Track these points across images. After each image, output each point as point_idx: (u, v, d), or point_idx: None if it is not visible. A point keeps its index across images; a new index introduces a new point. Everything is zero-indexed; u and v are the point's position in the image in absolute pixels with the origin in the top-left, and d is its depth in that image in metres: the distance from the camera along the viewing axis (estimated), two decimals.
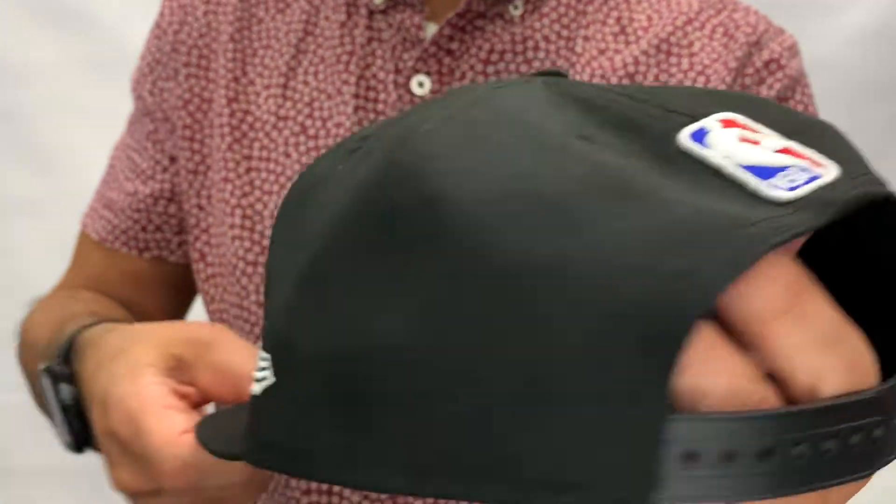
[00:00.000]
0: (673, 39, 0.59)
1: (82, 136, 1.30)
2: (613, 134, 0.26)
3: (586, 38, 0.59)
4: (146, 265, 0.67)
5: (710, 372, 0.22)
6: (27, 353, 0.62)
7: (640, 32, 0.59)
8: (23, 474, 1.33)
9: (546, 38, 0.59)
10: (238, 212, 0.61)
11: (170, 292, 0.68)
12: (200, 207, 0.64)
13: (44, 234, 1.29)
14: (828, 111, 0.70)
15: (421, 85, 0.58)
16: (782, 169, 0.24)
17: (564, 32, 0.59)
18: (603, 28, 0.59)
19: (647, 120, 0.27)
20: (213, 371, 0.42)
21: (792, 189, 0.23)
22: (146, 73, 0.67)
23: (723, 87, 0.58)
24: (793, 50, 0.61)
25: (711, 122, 0.26)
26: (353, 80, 0.59)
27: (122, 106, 1.09)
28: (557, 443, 0.21)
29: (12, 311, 1.35)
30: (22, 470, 1.33)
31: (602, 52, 0.59)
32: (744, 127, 0.25)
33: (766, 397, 0.22)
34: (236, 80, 0.62)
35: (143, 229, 0.67)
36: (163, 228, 0.67)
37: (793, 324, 0.22)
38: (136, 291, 0.67)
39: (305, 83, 0.61)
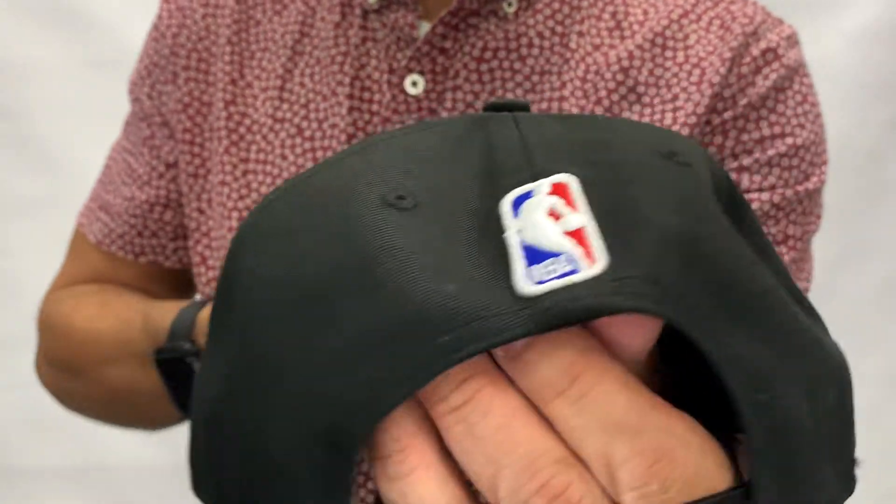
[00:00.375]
0: (668, 33, 0.59)
1: (82, 136, 1.30)
2: (471, 188, 0.27)
3: (580, 34, 0.59)
4: (142, 269, 0.68)
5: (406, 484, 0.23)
6: (87, 345, 0.62)
7: (635, 27, 0.59)
8: (23, 474, 1.33)
9: (540, 35, 0.59)
10: (235, 214, 0.61)
11: (168, 295, 0.68)
12: (201, 211, 0.64)
13: (44, 234, 1.29)
14: (828, 112, 0.70)
15: (415, 84, 0.58)
16: (554, 255, 0.24)
17: (559, 29, 0.59)
18: (598, 23, 0.59)
19: (508, 177, 0.27)
20: None
21: (542, 282, 0.23)
22: (144, 76, 0.67)
23: (718, 78, 0.58)
24: (791, 40, 0.61)
25: (542, 186, 0.25)
26: (347, 80, 0.59)
27: (121, 106, 1.08)
28: None
29: (12, 311, 1.35)
30: (22, 470, 1.33)
31: (597, 47, 0.59)
32: (566, 197, 0.25)
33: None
34: (234, 82, 0.62)
35: (140, 234, 0.67)
36: (158, 234, 0.67)
37: (571, 405, 0.22)
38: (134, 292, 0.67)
39: (302, 85, 0.61)
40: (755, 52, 0.59)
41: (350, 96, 0.59)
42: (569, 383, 0.22)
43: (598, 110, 0.57)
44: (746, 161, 0.58)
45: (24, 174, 1.30)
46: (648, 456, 0.22)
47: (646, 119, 0.57)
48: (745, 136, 0.58)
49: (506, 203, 0.25)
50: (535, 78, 0.58)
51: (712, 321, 0.24)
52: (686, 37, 0.59)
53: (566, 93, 0.58)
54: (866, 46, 1.31)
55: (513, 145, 0.28)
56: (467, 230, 0.25)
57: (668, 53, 0.59)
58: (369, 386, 0.23)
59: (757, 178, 0.58)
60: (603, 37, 0.59)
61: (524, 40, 0.58)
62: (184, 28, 0.65)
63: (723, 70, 0.58)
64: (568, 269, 0.23)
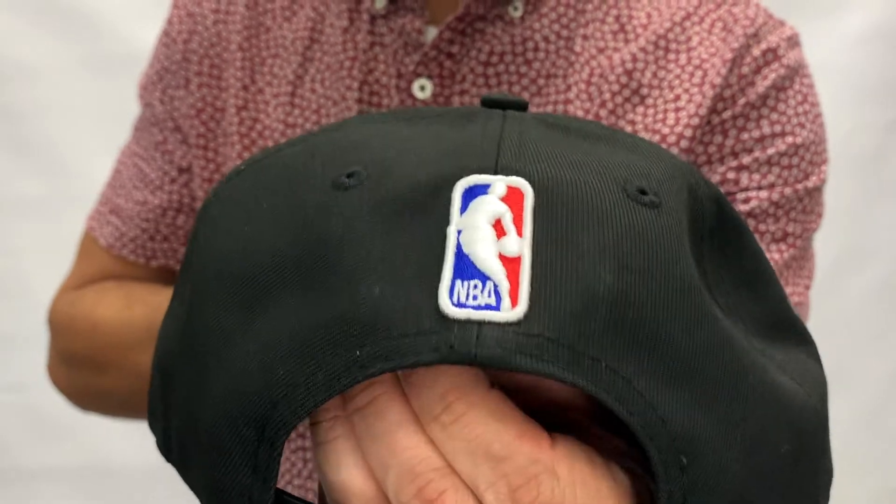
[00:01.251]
0: (671, 35, 0.59)
1: (82, 136, 1.30)
2: (429, 164, 0.27)
3: (585, 37, 0.59)
4: (153, 273, 0.68)
5: (333, 470, 0.26)
6: (116, 335, 0.62)
7: (639, 30, 0.59)
8: (23, 474, 1.33)
9: (545, 39, 0.59)
10: None
11: None
12: None
13: (44, 234, 1.29)
14: (828, 113, 0.70)
15: (423, 89, 0.59)
16: (482, 277, 0.24)
17: (564, 32, 0.59)
18: (602, 26, 0.60)
19: (469, 158, 0.27)
20: None
21: (461, 305, 0.24)
22: (155, 81, 0.67)
23: (719, 80, 0.58)
24: (792, 41, 0.61)
25: (498, 185, 0.26)
26: (356, 85, 0.60)
27: (121, 106, 1.08)
28: None
29: (12, 311, 1.35)
30: (22, 470, 1.33)
31: (601, 50, 0.59)
32: (517, 209, 0.25)
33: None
34: (245, 88, 0.62)
35: (151, 238, 0.67)
36: (170, 239, 0.67)
37: (442, 430, 0.25)
38: None
39: (313, 90, 0.61)
40: (756, 52, 0.59)
41: (359, 101, 0.60)
42: (441, 410, 0.25)
43: (603, 113, 0.58)
44: (746, 160, 0.59)
45: (25, 174, 1.30)
46: (511, 481, 0.24)
47: (648, 120, 0.58)
48: (744, 135, 0.59)
49: (458, 189, 0.25)
50: (542, 81, 0.58)
51: (633, 385, 0.24)
52: (689, 39, 0.59)
53: (571, 95, 0.58)
54: (866, 47, 1.31)
55: (490, 136, 0.28)
56: (409, 209, 0.26)
57: (671, 56, 0.59)
58: (290, 387, 0.25)
59: (756, 176, 0.59)
60: (607, 40, 0.59)
61: (530, 44, 0.59)
62: (195, 34, 0.65)
63: (724, 71, 0.58)
64: (488, 302, 0.24)
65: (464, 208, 0.25)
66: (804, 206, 0.61)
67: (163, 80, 0.66)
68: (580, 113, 0.58)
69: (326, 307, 0.25)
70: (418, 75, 0.58)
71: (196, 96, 0.64)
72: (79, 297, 0.67)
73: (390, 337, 0.24)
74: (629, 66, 0.59)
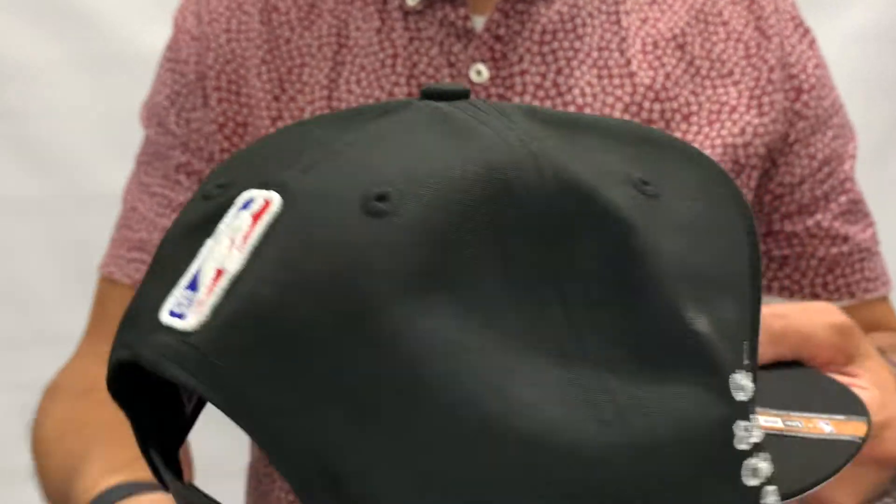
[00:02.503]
0: (706, 9, 0.63)
1: (82, 137, 1.30)
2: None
3: (626, 12, 0.62)
4: None
5: None
6: (46, 480, 0.66)
7: (669, 1, 0.63)
8: (23, 474, 1.33)
9: (590, 14, 0.62)
10: None
11: None
12: None
13: (44, 235, 1.29)
14: None
15: (479, 73, 0.61)
16: (193, 288, 0.26)
17: (604, 7, 0.62)
18: (637, 0, 0.63)
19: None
20: None
21: (172, 313, 0.26)
22: (167, 107, 0.66)
23: (755, 50, 0.63)
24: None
25: (256, 200, 0.26)
26: (402, 80, 0.61)
27: (121, 106, 1.08)
28: None
29: (12, 312, 1.36)
30: (22, 470, 1.33)
31: (644, 21, 0.62)
32: (254, 222, 0.26)
33: None
34: (276, 98, 0.63)
35: None
36: None
37: None
38: None
39: (349, 91, 0.62)
40: (789, 26, 0.64)
41: (409, 95, 0.61)
42: None
43: (669, 84, 0.61)
44: (835, 120, 0.65)
45: (25, 174, 1.30)
46: None
47: (709, 92, 0.61)
48: (826, 102, 0.65)
49: (238, 201, 0.27)
50: (595, 54, 0.61)
51: (248, 392, 0.23)
52: (720, 12, 0.63)
53: (634, 68, 0.61)
54: (866, 46, 1.30)
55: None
56: (197, 218, 0.29)
57: (711, 28, 0.63)
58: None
59: (841, 140, 0.65)
60: (646, 11, 0.63)
61: (578, 21, 0.62)
62: (208, 52, 0.65)
63: (755, 41, 0.63)
64: (183, 311, 0.25)
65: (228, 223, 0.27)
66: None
67: (175, 104, 0.66)
68: (648, 80, 0.60)
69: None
70: (474, 61, 0.60)
71: (217, 111, 0.63)
72: (55, 388, 0.68)
73: (137, 328, 0.27)
74: (679, 40, 0.62)
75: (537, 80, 0.60)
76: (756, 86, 0.61)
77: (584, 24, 0.62)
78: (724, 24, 0.63)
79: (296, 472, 0.23)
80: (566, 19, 0.61)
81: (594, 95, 0.60)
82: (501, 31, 0.60)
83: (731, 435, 0.24)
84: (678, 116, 0.60)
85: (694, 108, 0.60)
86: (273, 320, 0.24)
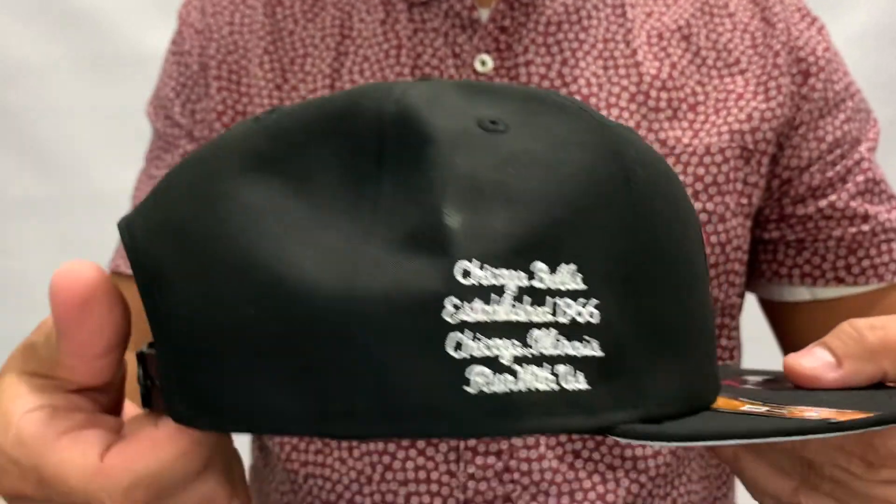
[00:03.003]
0: (711, 1, 0.64)
1: (83, 137, 1.30)
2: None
3: (632, 5, 0.63)
4: None
5: None
6: None
7: None
8: None
9: (596, 7, 0.62)
10: None
11: None
12: None
13: (44, 235, 1.29)
14: None
15: (483, 63, 0.61)
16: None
17: (609, 0, 0.63)
18: None
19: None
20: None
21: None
22: (173, 98, 0.67)
23: (761, 39, 0.63)
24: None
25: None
26: (406, 70, 0.62)
27: (121, 106, 1.09)
28: None
29: (12, 311, 1.36)
30: None
31: (649, 14, 0.63)
32: None
33: None
34: (278, 87, 0.63)
35: None
36: None
37: None
38: None
39: (352, 81, 0.62)
40: (796, 15, 0.65)
41: None
42: None
43: (675, 73, 0.61)
44: (850, 103, 0.64)
45: (25, 174, 1.30)
46: None
47: (716, 82, 0.61)
48: (837, 86, 0.64)
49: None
50: (601, 45, 0.61)
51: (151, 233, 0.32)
52: (726, 4, 0.64)
53: (639, 58, 0.61)
54: (866, 47, 1.31)
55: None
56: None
57: (717, 20, 0.63)
58: None
59: (856, 123, 0.64)
60: (651, 5, 0.63)
61: (584, 13, 0.62)
62: (211, 43, 0.66)
63: (760, 32, 0.62)
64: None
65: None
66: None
67: (180, 95, 0.66)
68: (654, 71, 0.60)
69: None
70: (479, 51, 0.61)
71: (216, 99, 0.64)
72: None
73: None
74: (685, 31, 0.62)
75: (542, 70, 0.61)
76: (763, 73, 0.61)
77: (589, 17, 0.62)
78: (731, 15, 0.63)
79: (141, 276, 0.30)
80: (571, 11, 0.62)
81: (600, 85, 0.60)
82: (507, 23, 0.61)
83: (441, 307, 0.27)
84: (685, 106, 0.60)
85: (700, 97, 0.60)
86: (164, 189, 0.32)
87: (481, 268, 0.28)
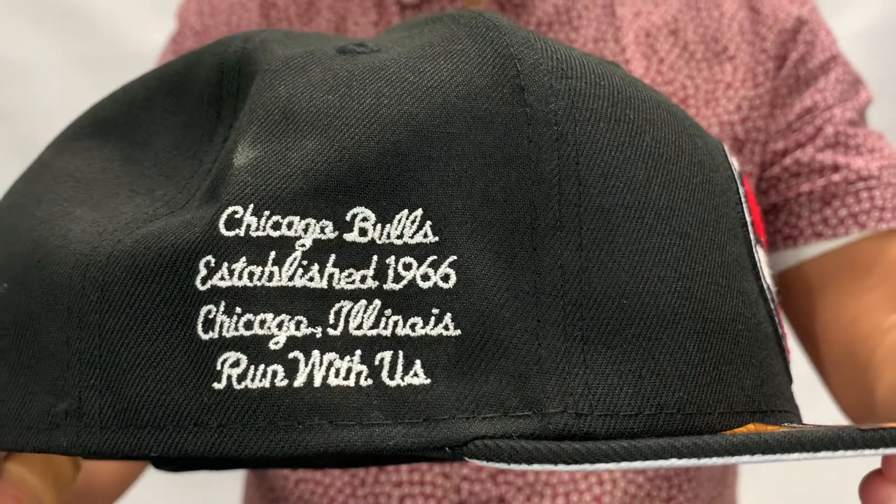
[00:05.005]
0: None
1: None
2: None
3: (621, 4, 0.63)
4: None
5: None
6: None
7: None
8: None
9: (586, 7, 0.63)
10: None
11: None
12: None
13: None
14: None
15: None
16: None
17: (599, 1, 0.63)
18: None
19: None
20: None
21: None
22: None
23: (748, 26, 0.62)
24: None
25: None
26: None
27: None
28: None
29: None
30: None
31: (637, 14, 0.63)
32: None
33: None
34: None
35: None
36: None
37: None
38: None
39: None
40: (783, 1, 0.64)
41: None
42: None
43: (664, 69, 0.61)
44: (822, 83, 0.63)
45: None
46: None
47: (706, 73, 0.61)
48: (812, 64, 0.63)
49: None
50: (591, 45, 0.61)
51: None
52: None
53: (629, 56, 0.62)
54: (866, 46, 1.30)
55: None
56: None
57: (704, 13, 0.63)
58: None
59: (835, 93, 0.63)
60: (639, 5, 0.63)
61: (574, 13, 0.62)
62: (208, 40, 0.67)
63: (748, 24, 0.62)
64: None
65: None
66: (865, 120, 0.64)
67: None
68: (641, 70, 0.60)
69: None
70: None
71: None
72: None
73: None
74: (672, 26, 0.62)
75: None
76: (751, 59, 0.61)
77: (579, 17, 0.62)
78: (718, 5, 0.63)
79: None
80: (562, 11, 0.62)
81: None
82: None
83: (194, 270, 0.20)
84: (675, 100, 0.60)
85: (690, 90, 0.60)
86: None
87: (256, 214, 0.20)
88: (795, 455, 0.20)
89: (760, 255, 0.28)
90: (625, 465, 0.20)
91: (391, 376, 0.20)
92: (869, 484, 0.25)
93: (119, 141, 0.25)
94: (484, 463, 0.20)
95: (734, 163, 0.29)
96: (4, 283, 0.22)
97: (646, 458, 0.20)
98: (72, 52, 1.28)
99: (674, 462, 0.20)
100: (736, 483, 0.67)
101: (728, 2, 0.63)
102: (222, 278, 0.20)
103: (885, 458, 0.24)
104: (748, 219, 0.27)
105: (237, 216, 0.20)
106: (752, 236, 0.27)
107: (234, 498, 0.80)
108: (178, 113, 0.25)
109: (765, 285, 0.27)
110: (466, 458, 0.20)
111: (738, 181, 0.29)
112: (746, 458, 0.20)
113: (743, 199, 0.27)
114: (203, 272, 0.20)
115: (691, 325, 0.24)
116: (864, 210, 0.57)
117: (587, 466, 0.20)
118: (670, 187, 0.24)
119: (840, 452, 0.21)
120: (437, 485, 0.56)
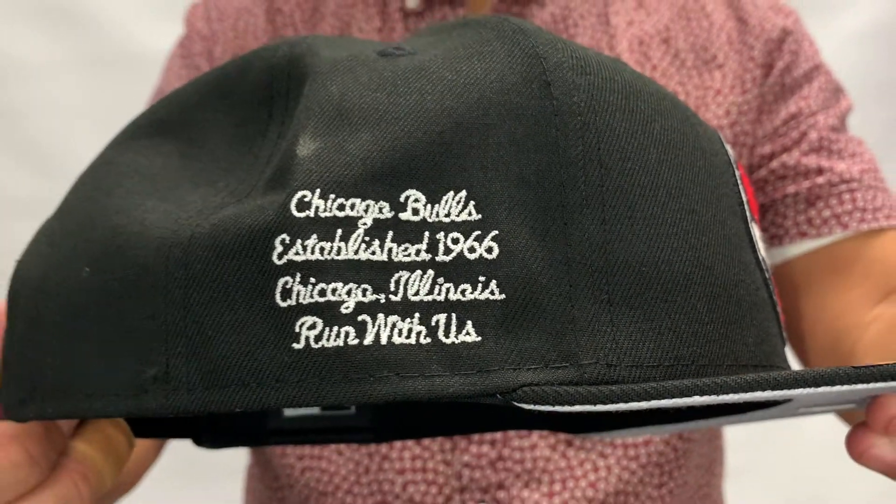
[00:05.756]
0: (689, 5, 0.66)
1: (82, 136, 1.30)
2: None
3: (615, 14, 0.65)
4: None
5: None
6: None
7: (654, 4, 0.66)
8: None
9: (582, 16, 0.65)
10: None
11: None
12: None
13: None
14: None
15: None
16: None
17: (594, 10, 0.65)
18: (624, 4, 0.66)
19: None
20: None
21: None
22: None
23: (736, 35, 0.64)
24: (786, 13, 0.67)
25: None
26: None
27: (121, 106, 1.09)
28: None
29: None
30: None
31: (630, 23, 0.65)
32: None
33: None
34: None
35: None
36: None
37: None
38: None
39: None
40: (769, 13, 0.66)
41: None
42: None
43: (657, 75, 0.63)
44: (805, 91, 0.64)
45: (24, 174, 1.30)
46: None
47: (696, 80, 0.63)
48: (797, 72, 0.64)
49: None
50: None
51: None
52: (703, 7, 0.66)
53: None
54: (866, 47, 1.31)
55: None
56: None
57: (694, 23, 0.65)
58: None
59: (818, 101, 0.64)
60: (632, 15, 0.65)
61: (570, 21, 0.64)
62: (216, 47, 0.68)
63: (735, 35, 0.64)
64: None
65: None
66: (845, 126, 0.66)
67: None
68: None
69: None
70: None
71: None
72: None
73: None
74: (664, 34, 0.64)
75: None
76: (739, 66, 0.63)
77: (575, 25, 0.64)
78: (707, 16, 0.65)
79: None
80: (558, 20, 0.64)
81: None
82: None
83: (270, 247, 0.23)
84: None
85: (682, 96, 0.62)
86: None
87: (323, 197, 0.23)
88: (799, 391, 0.23)
89: (755, 231, 0.31)
90: (654, 403, 0.23)
91: (446, 335, 0.23)
92: (854, 434, 0.28)
93: (175, 140, 0.29)
94: (531, 406, 0.23)
95: (729, 149, 0.32)
96: (85, 267, 0.25)
97: (672, 396, 0.23)
98: (72, 53, 1.29)
99: (696, 399, 0.23)
100: (723, 474, 0.69)
101: (717, 13, 0.65)
102: (297, 253, 0.23)
103: (869, 409, 0.27)
104: (744, 198, 0.31)
105: (306, 199, 0.23)
106: (748, 214, 0.30)
107: (235, 489, 0.80)
108: (230, 113, 0.28)
109: (760, 257, 0.31)
110: (515, 403, 0.23)
111: (734, 165, 0.32)
112: (759, 393, 0.23)
113: (739, 181, 0.31)
114: (279, 248, 0.23)
115: (701, 289, 0.27)
116: (846, 211, 0.60)
117: (622, 406, 0.23)
118: (678, 169, 0.28)
119: (837, 388, 0.24)
120: (439, 472, 0.58)
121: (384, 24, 0.65)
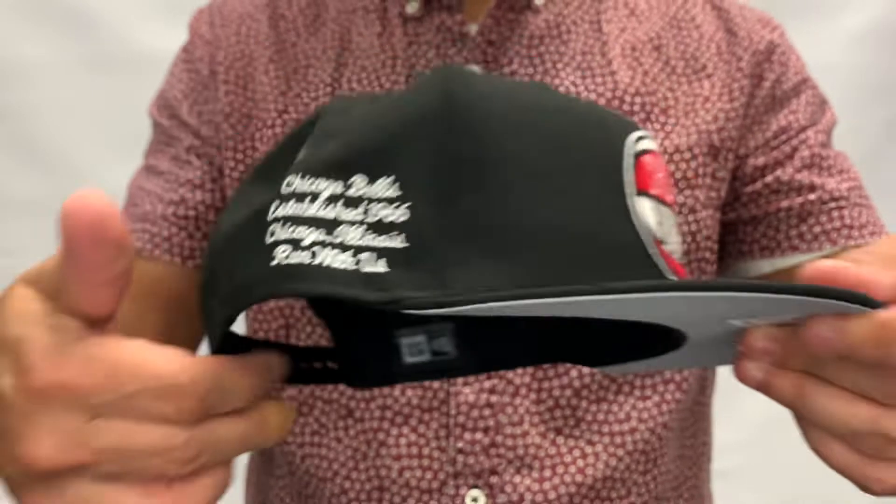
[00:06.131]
0: (679, 15, 0.69)
1: (82, 136, 1.30)
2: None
3: (608, 21, 0.68)
4: (188, 274, 0.66)
5: None
6: None
7: (646, 13, 0.69)
8: None
9: (575, 23, 0.68)
10: None
11: None
12: None
13: (44, 235, 1.29)
14: None
15: None
16: None
17: (586, 17, 0.68)
18: (617, 12, 0.69)
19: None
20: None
21: None
22: (181, 99, 0.70)
23: (725, 47, 0.67)
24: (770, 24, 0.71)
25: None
26: (402, 79, 0.66)
27: (122, 106, 1.09)
28: None
29: None
30: None
31: (622, 30, 0.68)
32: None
33: None
34: (283, 94, 0.67)
35: (190, 236, 0.66)
36: (209, 237, 0.65)
37: None
38: (175, 311, 0.65)
39: (351, 89, 0.67)
40: (753, 21, 0.69)
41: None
42: None
43: (647, 80, 0.66)
44: (794, 105, 0.67)
45: (25, 174, 1.30)
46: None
47: (685, 87, 0.66)
48: (785, 85, 0.68)
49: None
50: (580, 57, 0.66)
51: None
52: (693, 18, 0.69)
53: (615, 68, 0.66)
54: (865, 47, 1.31)
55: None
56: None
57: (685, 32, 0.68)
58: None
59: (805, 115, 0.67)
60: (623, 22, 0.68)
61: (563, 28, 0.67)
62: (219, 50, 0.69)
63: (724, 46, 0.67)
64: None
65: None
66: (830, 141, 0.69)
67: (188, 97, 0.69)
68: (627, 80, 0.66)
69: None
70: (468, 62, 0.65)
71: (224, 101, 0.68)
72: None
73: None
74: (655, 42, 0.67)
75: (526, 79, 0.65)
76: (727, 76, 0.66)
77: (568, 31, 0.67)
78: (697, 27, 0.68)
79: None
80: (552, 26, 0.67)
81: (578, 93, 0.65)
82: (493, 36, 0.66)
83: (268, 211, 0.35)
84: (657, 110, 0.64)
85: (671, 102, 0.65)
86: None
87: (301, 178, 0.36)
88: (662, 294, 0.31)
89: (644, 202, 0.39)
90: (520, 303, 0.32)
91: (366, 266, 0.34)
92: (737, 363, 0.36)
93: (267, 180, 0.39)
94: (415, 312, 0.34)
95: (641, 145, 0.41)
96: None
97: (535, 297, 0.32)
98: (73, 53, 1.29)
99: (548, 301, 0.32)
100: (709, 469, 0.73)
101: (706, 24, 0.69)
102: (281, 211, 0.35)
103: (744, 341, 0.35)
104: (626, 178, 0.39)
105: (291, 181, 0.36)
106: (626, 189, 0.39)
107: (235, 486, 0.80)
108: (294, 154, 0.40)
109: (636, 223, 0.38)
110: (403, 310, 0.34)
111: (633, 156, 0.40)
112: (618, 296, 0.32)
113: (629, 168, 0.39)
114: (272, 210, 0.36)
115: (553, 242, 0.37)
116: (835, 228, 0.66)
117: (483, 307, 0.33)
118: (550, 156, 0.38)
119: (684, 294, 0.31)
120: (434, 458, 0.61)
121: (384, 29, 0.67)
